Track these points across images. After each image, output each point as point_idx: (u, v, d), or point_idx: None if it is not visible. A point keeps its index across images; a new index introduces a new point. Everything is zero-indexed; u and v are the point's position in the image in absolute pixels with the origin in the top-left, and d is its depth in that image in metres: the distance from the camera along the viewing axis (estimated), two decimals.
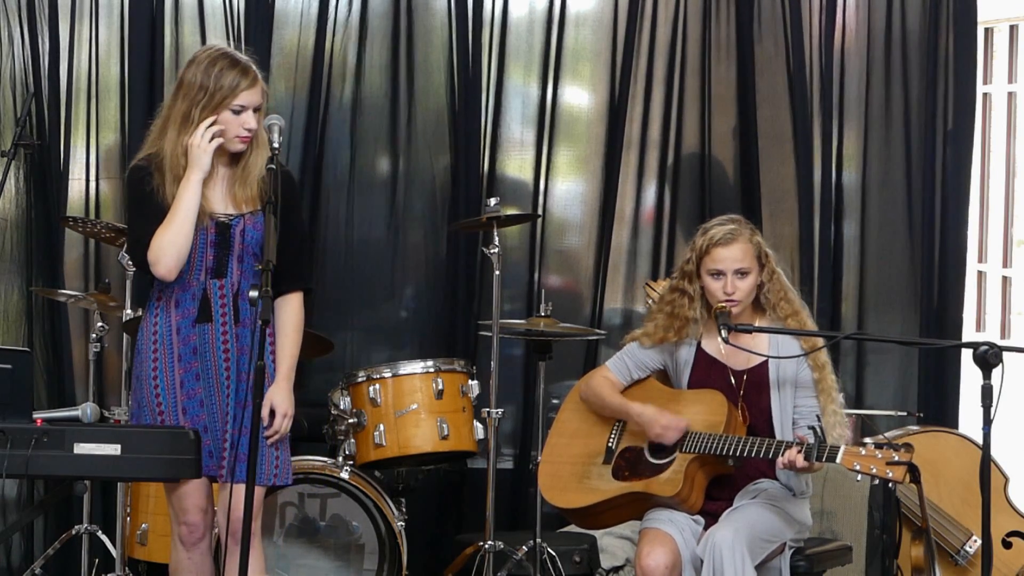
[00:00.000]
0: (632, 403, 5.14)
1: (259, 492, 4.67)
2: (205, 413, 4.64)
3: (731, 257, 5.02)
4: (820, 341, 5.06)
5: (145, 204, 4.59)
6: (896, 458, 4.59)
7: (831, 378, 5.04)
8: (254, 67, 4.67)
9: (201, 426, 4.61)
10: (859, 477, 4.65)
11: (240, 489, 4.54)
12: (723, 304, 5.01)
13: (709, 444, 4.93)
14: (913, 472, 4.63)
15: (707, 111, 7.03)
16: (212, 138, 4.57)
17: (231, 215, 4.64)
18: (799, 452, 4.74)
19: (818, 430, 4.77)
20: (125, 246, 4.76)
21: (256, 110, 4.64)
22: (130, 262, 4.72)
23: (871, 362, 7.10)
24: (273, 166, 4.51)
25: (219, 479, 4.66)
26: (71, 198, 6.63)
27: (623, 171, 6.99)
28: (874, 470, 4.61)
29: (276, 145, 4.58)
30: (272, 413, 4.64)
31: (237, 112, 4.60)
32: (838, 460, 4.68)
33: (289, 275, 4.69)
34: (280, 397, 4.67)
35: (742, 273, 5.03)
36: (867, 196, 7.10)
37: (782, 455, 4.78)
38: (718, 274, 5.03)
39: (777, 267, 5.11)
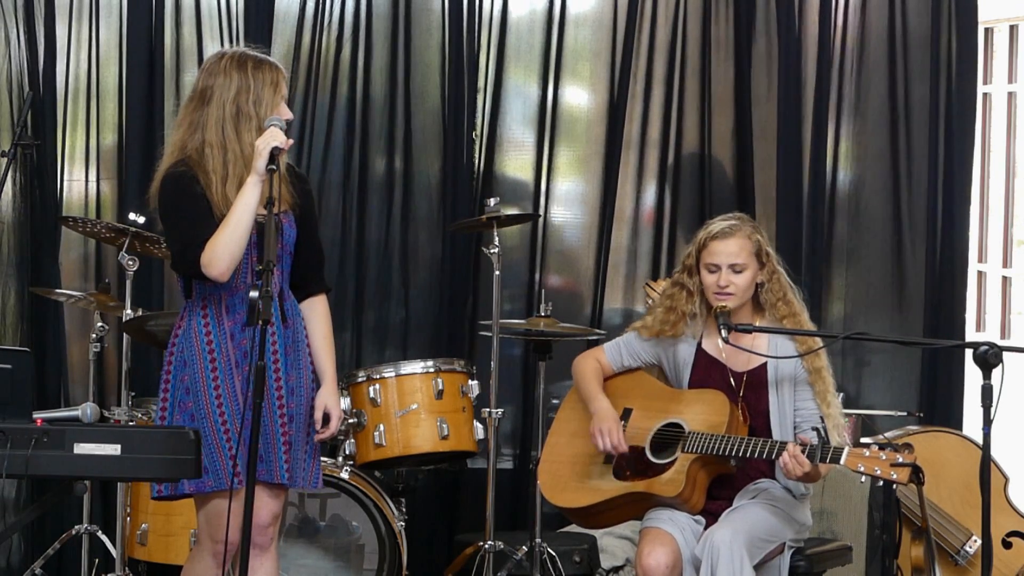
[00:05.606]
0: (600, 396, 5.17)
1: (282, 496, 4.67)
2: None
3: (727, 251, 5.03)
4: (815, 343, 5.06)
5: (192, 205, 4.50)
6: (900, 459, 4.60)
7: (828, 381, 5.03)
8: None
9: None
10: (863, 479, 4.66)
11: (266, 492, 4.55)
12: (724, 304, 5.01)
13: (711, 444, 4.93)
14: (917, 474, 4.63)
15: (707, 111, 7.03)
16: (276, 145, 4.45)
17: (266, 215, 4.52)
18: (802, 452, 4.75)
19: (822, 432, 4.78)
20: (170, 253, 4.65)
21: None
22: (172, 267, 4.63)
23: (871, 362, 7.09)
24: (274, 166, 4.47)
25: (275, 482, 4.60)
26: (71, 198, 6.63)
27: (623, 171, 6.99)
28: (878, 471, 4.61)
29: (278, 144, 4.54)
30: (326, 416, 4.63)
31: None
32: (842, 461, 4.69)
33: (316, 277, 4.74)
34: (333, 400, 4.67)
35: (737, 269, 5.04)
36: (868, 196, 7.09)
37: (784, 454, 4.79)
38: (714, 268, 5.05)
39: (779, 267, 5.11)
